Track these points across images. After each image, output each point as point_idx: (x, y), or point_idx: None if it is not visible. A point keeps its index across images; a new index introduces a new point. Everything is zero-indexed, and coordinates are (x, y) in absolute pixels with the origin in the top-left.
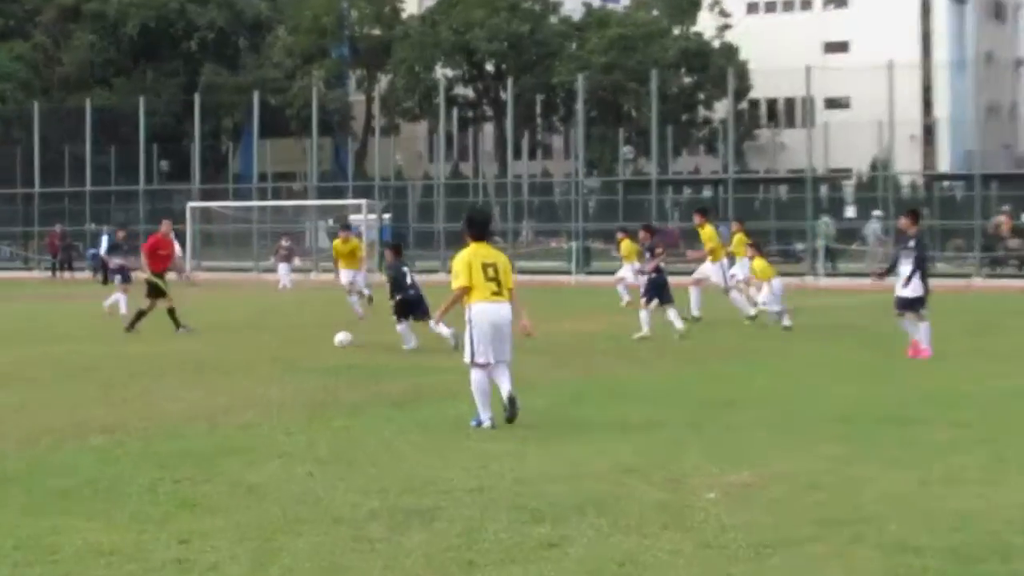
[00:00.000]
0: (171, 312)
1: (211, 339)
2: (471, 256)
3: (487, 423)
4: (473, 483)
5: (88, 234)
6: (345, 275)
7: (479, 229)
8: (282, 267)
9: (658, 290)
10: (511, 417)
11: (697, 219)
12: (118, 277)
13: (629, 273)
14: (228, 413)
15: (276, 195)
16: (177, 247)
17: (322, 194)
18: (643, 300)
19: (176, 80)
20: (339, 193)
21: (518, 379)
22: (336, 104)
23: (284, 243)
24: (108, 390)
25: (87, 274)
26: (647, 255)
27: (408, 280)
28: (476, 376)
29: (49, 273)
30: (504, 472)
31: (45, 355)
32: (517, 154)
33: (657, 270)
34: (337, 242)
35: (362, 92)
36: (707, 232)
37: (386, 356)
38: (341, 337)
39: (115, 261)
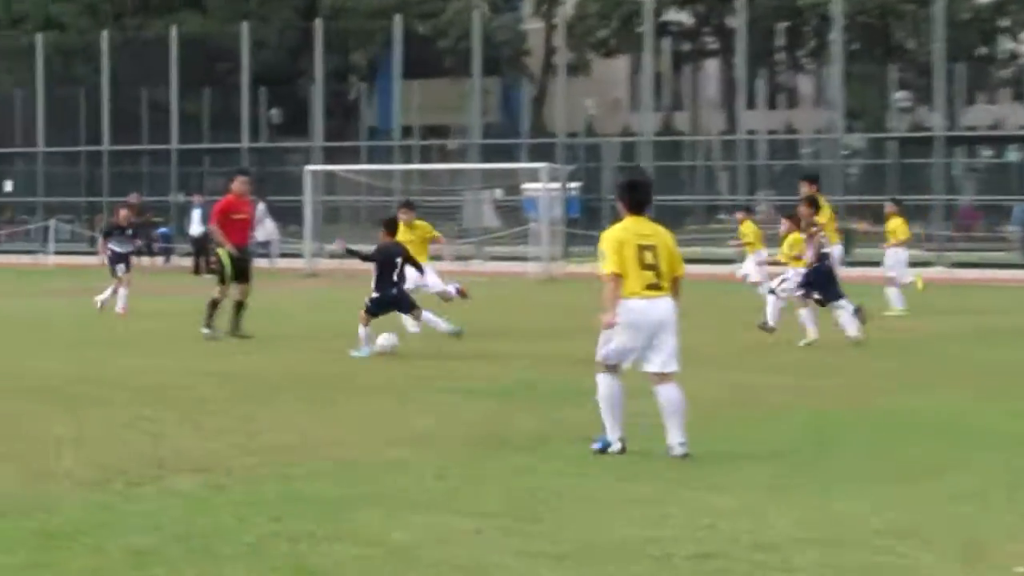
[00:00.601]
0: (239, 307)
1: (332, 349)
2: (624, 234)
3: (616, 446)
4: (697, 548)
5: (173, 207)
6: (414, 273)
7: (640, 197)
8: None
9: (822, 283)
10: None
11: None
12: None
13: (752, 267)
14: (360, 448)
15: (425, 156)
16: (269, 222)
17: (487, 154)
18: (800, 294)
19: (290, 1)
20: (509, 153)
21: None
22: (506, 34)
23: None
24: (199, 416)
25: (162, 259)
26: (808, 242)
27: (395, 274)
28: (604, 382)
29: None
30: (738, 534)
31: (112, 369)
32: (750, 102)
33: (821, 257)
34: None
35: (540, 17)
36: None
37: (571, 370)
38: (383, 341)
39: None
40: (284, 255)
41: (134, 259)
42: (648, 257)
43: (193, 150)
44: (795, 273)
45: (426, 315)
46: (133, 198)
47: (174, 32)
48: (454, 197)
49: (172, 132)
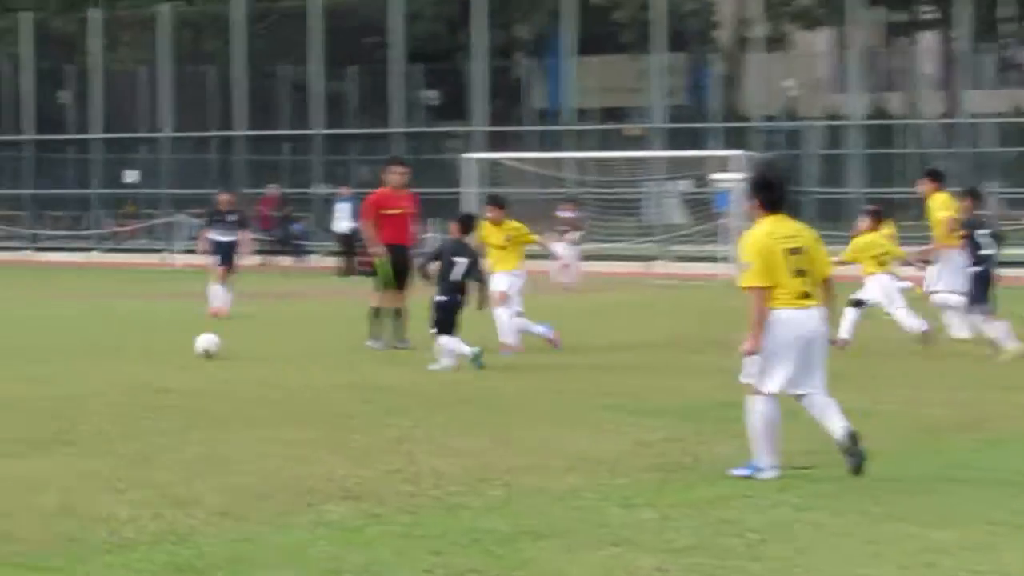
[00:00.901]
0: (397, 314)
1: (494, 363)
2: (768, 239)
3: (770, 472)
4: None
5: (314, 200)
6: (503, 280)
7: (776, 195)
8: (560, 248)
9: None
10: (857, 466)
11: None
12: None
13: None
14: (532, 474)
15: (601, 142)
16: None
17: (673, 140)
18: (972, 307)
19: None
20: (697, 139)
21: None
22: (692, 4)
23: (565, 212)
24: (347, 437)
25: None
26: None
27: (457, 273)
28: (761, 408)
29: (259, 257)
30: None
31: (245, 383)
32: (975, 81)
33: (979, 260)
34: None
35: None
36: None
37: None
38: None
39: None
40: None
41: (270, 258)
42: (798, 262)
43: (338, 136)
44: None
45: (445, 340)
46: (271, 190)
47: (316, 3)
48: (634, 189)
49: (315, 115)
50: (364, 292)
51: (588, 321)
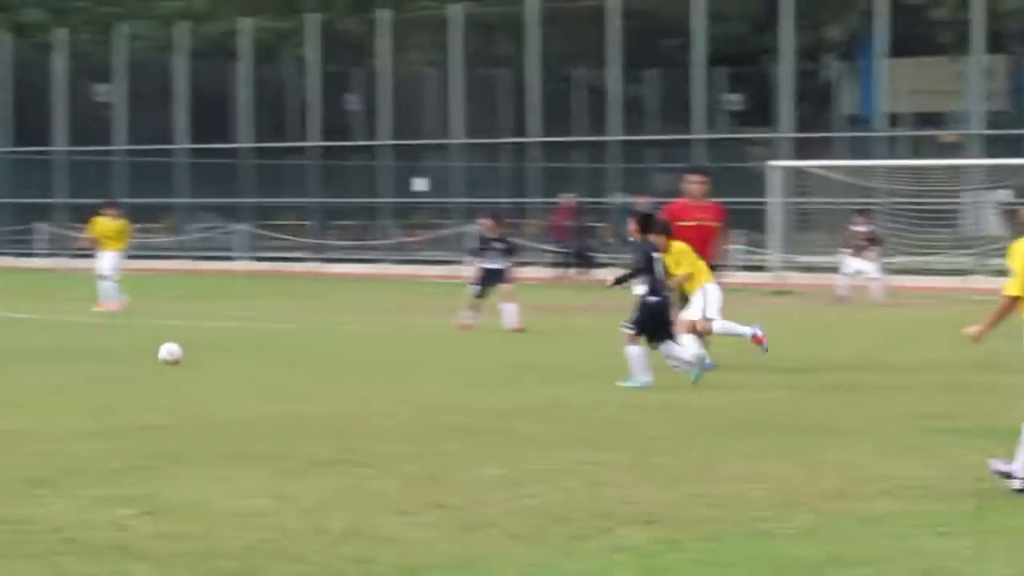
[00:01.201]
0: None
1: (804, 384)
2: None
3: None
4: None
5: (610, 210)
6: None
7: None
8: (856, 264)
9: None
10: None
11: None
12: None
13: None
14: (841, 499)
15: (916, 150)
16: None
17: (991, 148)
18: None
19: None
20: (1017, 146)
21: None
22: (1014, 3)
23: (859, 226)
24: (648, 459)
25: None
26: None
27: (660, 271)
28: None
29: (558, 270)
30: None
31: (540, 401)
32: None
33: None
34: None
35: None
36: None
37: None
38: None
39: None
40: (745, 268)
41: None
42: None
43: (636, 142)
44: None
45: (667, 348)
46: (567, 199)
47: (614, 2)
48: (951, 200)
49: (612, 121)
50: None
51: (895, 338)
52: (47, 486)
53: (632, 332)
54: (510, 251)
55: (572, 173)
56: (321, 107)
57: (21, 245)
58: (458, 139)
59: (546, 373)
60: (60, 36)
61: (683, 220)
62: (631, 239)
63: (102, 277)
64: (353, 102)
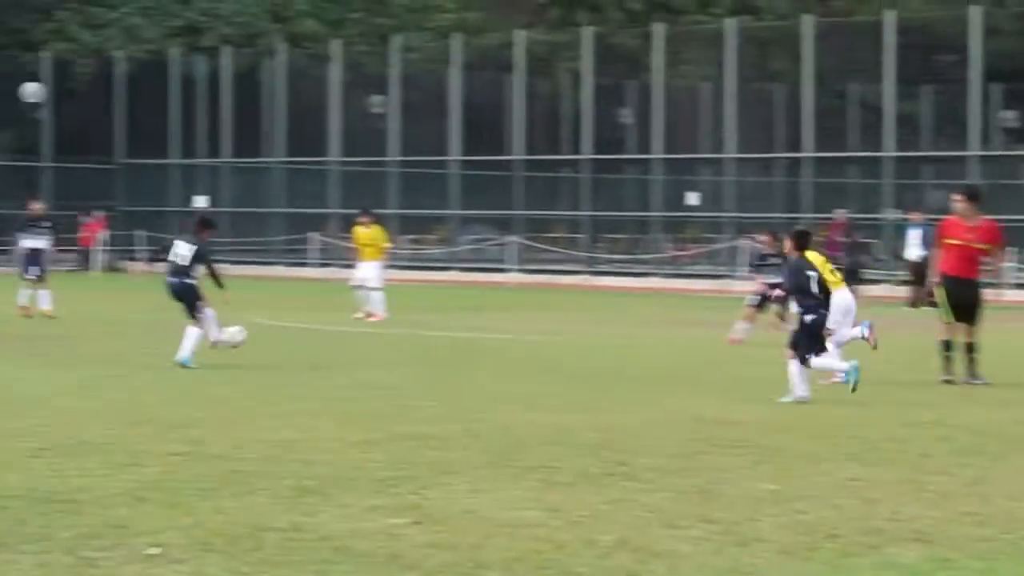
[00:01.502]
0: (968, 349)
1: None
2: None
3: None
4: None
5: (884, 226)
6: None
7: None
8: None
9: None
10: None
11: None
12: None
13: None
14: None
15: None
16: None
17: None
18: None
19: None
20: None
21: None
22: None
23: None
24: (921, 477)
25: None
26: None
27: (815, 287)
28: None
29: None
30: None
31: (814, 418)
32: None
33: None
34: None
35: None
36: None
37: None
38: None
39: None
40: (1019, 286)
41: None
42: None
43: (910, 158)
44: None
45: (819, 362)
46: (840, 215)
47: (890, 17)
48: None
49: (885, 137)
50: (932, 324)
51: None
52: (317, 495)
53: (796, 354)
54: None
55: (845, 188)
56: (593, 120)
57: (294, 255)
58: (731, 153)
59: (817, 389)
60: (335, 48)
61: (948, 238)
62: (787, 257)
63: (361, 287)
64: (626, 115)
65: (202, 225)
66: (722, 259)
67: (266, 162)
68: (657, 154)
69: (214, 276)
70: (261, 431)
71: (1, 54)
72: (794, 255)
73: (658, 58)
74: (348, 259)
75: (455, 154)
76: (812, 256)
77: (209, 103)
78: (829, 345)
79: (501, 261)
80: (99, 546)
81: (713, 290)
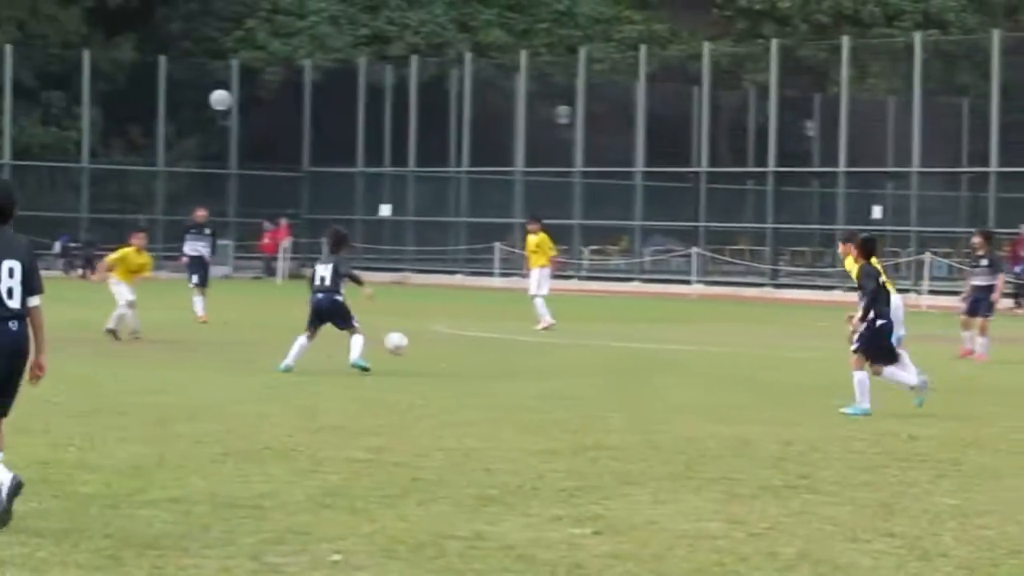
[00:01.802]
0: None
1: None
2: None
3: None
4: None
5: None
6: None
7: None
8: None
9: None
10: None
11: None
12: None
13: None
14: None
15: None
16: None
17: None
18: None
19: None
20: None
21: None
22: None
23: None
24: None
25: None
26: None
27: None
28: None
29: (1011, 301)
30: None
31: (1006, 434)
32: None
33: None
34: None
35: None
36: None
37: None
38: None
39: None
40: None
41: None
42: None
43: None
44: None
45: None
46: None
47: None
48: None
49: None
50: None
51: None
52: (500, 504)
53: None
54: (993, 267)
55: None
56: (778, 132)
57: (477, 264)
58: (916, 167)
59: (996, 401)
60: (522, 58)
61: None
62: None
63: (534, 296)
64: (811, 128)
65: (337, 241)
66: (905, 272)
67: (451, 171)
68: (841, 167)
69: (355, 280)
70: (442, 439)
71: (190, 62)
72: (862, 261)
73: (844, 71)
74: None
75: (639, 165)
76: (876, 263)
77: (395, 112)
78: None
79: (684, 272)
80: (282, 552)
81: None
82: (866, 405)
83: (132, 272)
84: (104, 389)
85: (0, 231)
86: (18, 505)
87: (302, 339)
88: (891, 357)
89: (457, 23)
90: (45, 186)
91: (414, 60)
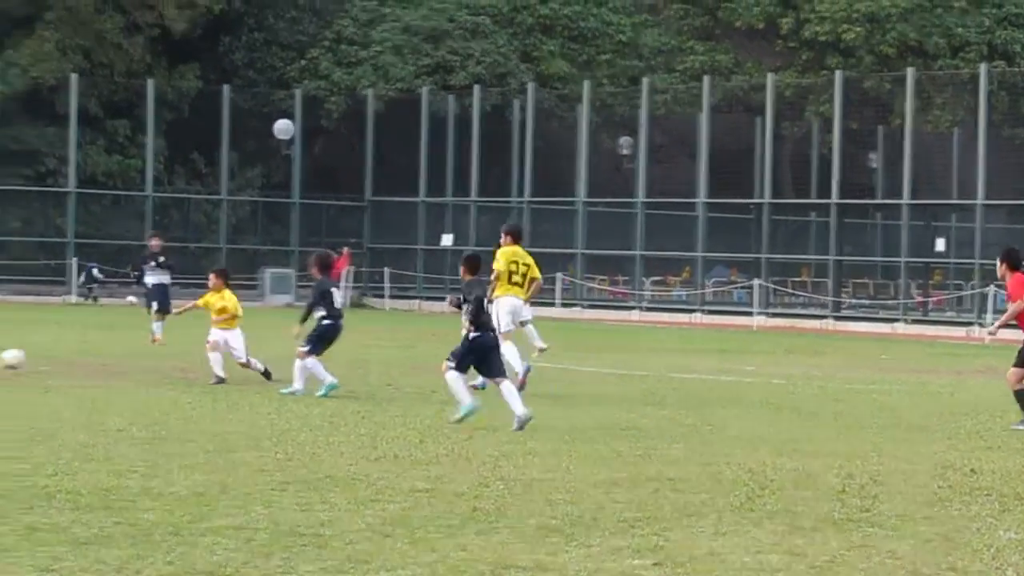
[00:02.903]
0: None
1: None
2: None
3: None
4: None
5: None
6: None
7: None
8: None
9: None
10: None
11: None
12: None
13: None
14: None
15: None
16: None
17: None
18: None
19: None
20: None
21: None
22: None
23: None
24: None
25: None
26: None
27: None
28: None
29: None
30: None
31: None
32: None
33: None
34: None
35: None
36: None
37: None
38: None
39: None
40: None
41: None
42: None
43: None
44: None
45: None
46: None
47: None
48: None
49: None
50: None
51: None
52: (561, 534)
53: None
54: None
55: None
56: (841, 164)
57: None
58: (981, 199)
59: None
60: (584, 89)
61: None
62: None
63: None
64: (874, 159)
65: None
66: (968, 306)
67: (512, 201)
68: (905, 199)
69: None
70: (503, 469)
71: (254, 91)
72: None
73: (909, 102)
74: (592, 299)
75: (702, 196)
76: None
77: (457, 142)
78: None
79: (746, 304)
80: None
81: (959, 337)
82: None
83: (219, 318)
84: (167, 417)
85: None
86: (80, 531)
87: (313, 362)
88: None
89: (520, 53)
90: (109, 214)
91: (477, 90)
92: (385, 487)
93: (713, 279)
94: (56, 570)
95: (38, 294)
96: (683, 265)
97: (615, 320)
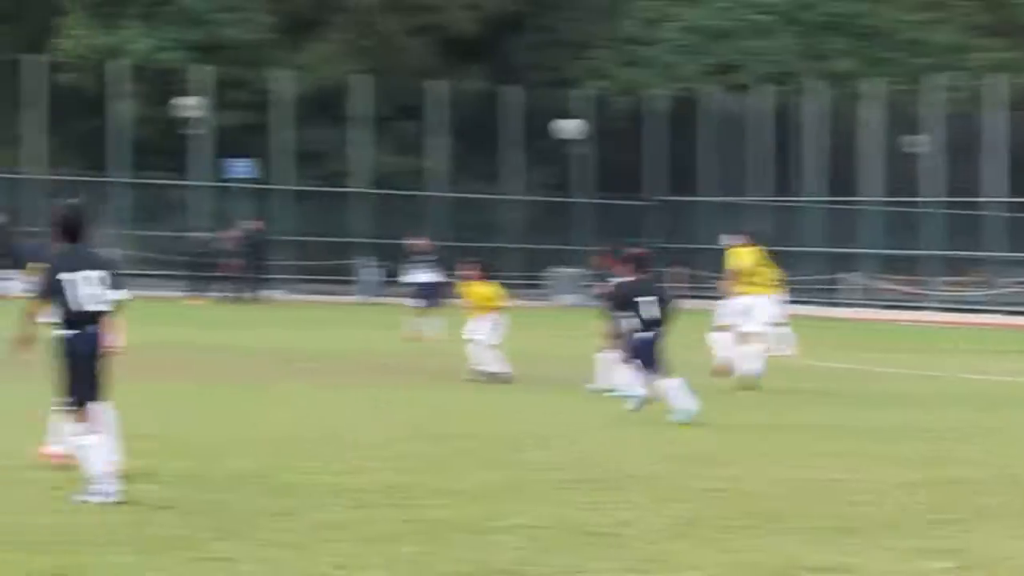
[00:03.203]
0: None
1: None
2: None
3: None
4: None
5: None
6: None
7: None
8: None
9: None
10: None
11: None
12: None
13: None
14: None
15: None
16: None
17: None
18: None
19: None
20: None
21: None
22: None
23: None
24: None
25: None
26: None
27: None
28: None
29: None
30: None
31: None
32: None
33: None
34: None
35: None
36: None
37: None
38: None
39: None
40: None
41: None
42: None
43: None
44: None
45: None
46: None
47: None
48: None
49: None
50: None
51: None
52: (860, 535)
53: None
54: None
55: None
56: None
57: (826, 294)
58: None
59: None
60: (873, 87)
61: None
62: None
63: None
64: None
65: None
66: None
67: (803, 201)
68: None
69: None
70: (795, 469)
71: (539, 91)
72: None
73: None
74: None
75: (998, 195)
76: None
77: (743, 140)
78: None
79: None
80: None
81: None
82: None
83: (479, 306)
84: (453, 415)
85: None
86: (368, 529)
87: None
88: None
89: (806, 52)
90: (398, 214)
91: (762, 89)
92: (679, 487)
93: (1013, 279)
94: (349, 567)
95: (332, 294)
96: (978, 265)
97: (906, 320)
